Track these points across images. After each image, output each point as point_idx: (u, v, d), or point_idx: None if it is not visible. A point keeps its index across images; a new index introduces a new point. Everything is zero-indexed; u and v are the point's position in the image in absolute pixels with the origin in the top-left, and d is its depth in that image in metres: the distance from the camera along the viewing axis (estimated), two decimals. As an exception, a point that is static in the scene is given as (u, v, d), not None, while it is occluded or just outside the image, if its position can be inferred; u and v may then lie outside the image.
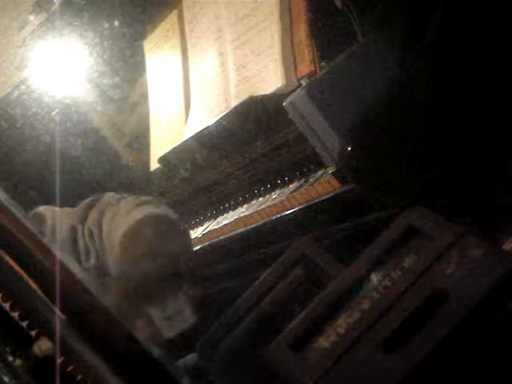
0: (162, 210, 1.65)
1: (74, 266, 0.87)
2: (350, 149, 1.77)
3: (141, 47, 2.80)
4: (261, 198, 2.26)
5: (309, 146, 1.92)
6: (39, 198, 2.21)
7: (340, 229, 1.94)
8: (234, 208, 2.39)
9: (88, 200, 1.72)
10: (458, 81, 1.81)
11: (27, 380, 0.96)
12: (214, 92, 2.38)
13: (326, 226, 1.97)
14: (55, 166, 2.30)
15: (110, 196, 1.71)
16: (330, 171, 1.91)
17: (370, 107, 1.77)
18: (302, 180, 2.09)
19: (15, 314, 0.98)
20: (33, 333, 0.98)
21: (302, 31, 2.05)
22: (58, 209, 1.72)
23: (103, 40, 2.78)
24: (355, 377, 1.00)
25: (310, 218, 2.00)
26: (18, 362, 0.98)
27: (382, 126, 1.77)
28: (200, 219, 2.56)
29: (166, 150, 2.53)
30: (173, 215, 1.66)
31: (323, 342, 1.05)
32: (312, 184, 1.99)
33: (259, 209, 2.17)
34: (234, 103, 2.25)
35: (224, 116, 2.23)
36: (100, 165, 3.00)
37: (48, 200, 1.74)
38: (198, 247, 2.39)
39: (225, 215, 2.43)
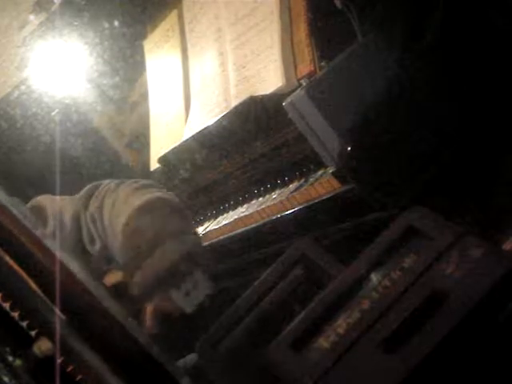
0: (161, 193, 1.64)
1: (74, 266, 0.87)
2: (349, 149, 1.77)
3: (141, 47, 2.80)
4: (261, 198, 2.26)
5: (308, 145, 1.92)
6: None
7: (340, 229, 1.94)
8: (234, 208, 2.39)
9: (89, 186, 1.71)
10: (457, 81, 1.82)
11: (27, 380, 0.96)
12: (214, 92, 2.38)
13: (325, 225, 1.97)
14: (55, 166, 2.30)
15: (108, 182, 1.71)
16: (330, 171, 1.91)
17: (369, 107, 1.77)
18: (302, 180, 2.09)
19: (15, 314, 0.98)
20: (33, 333, 0.98)
21: (301, 31, 2.05)
22: (58, 197, 1.72)
23: (103, 40, 2.78)
24: (355, 377, 1.00)
25: (310, 218, 1.99)
26: (18, 362, 0.98)
27: (382, 125, 1.77)
28: (200, 219, 2.56)
29: (166, 150, 2.52)
30: (170, 197, 1.64)
31: (323, 342, 1.05)
32: (312, 184, 1.98)
33: (259, 209, 2.17)
34: (233, 103, 2.24)
35: (224, 116, 2.23)
36: (100, 165, 3.00)
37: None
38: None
39: (225, 215, 2.43)
